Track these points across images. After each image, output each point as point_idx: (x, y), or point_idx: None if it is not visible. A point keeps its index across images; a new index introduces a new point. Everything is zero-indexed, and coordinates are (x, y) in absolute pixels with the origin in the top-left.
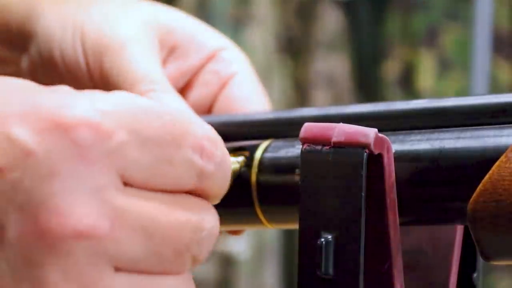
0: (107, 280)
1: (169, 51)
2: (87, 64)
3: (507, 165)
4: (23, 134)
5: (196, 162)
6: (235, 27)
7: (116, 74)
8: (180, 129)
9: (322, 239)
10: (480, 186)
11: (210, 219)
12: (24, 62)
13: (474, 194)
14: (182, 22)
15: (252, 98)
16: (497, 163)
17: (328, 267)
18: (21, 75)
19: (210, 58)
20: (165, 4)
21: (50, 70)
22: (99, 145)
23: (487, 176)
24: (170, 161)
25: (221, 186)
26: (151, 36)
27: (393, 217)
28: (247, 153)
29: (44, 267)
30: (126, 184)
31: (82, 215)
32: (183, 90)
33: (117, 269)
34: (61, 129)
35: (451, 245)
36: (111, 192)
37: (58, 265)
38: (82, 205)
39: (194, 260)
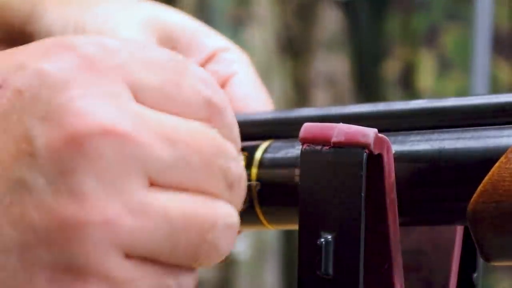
0: (144, 190)
1: None
2: None
3: (507, 166)
4: (34, 59)
5: (203, 91)
6: (235, 27)
7: None
8: (181, 60)
9: (322, 239)
10: (480, 187)
11: (230, 145)
12: None
13: (474, 195)
14: (183, 23)
15: (252, 98)
16: (497, 164)
17: (328, 267)
18: None
19: (210, 59)
20: (164, 4)
21: None
22: (107, 59)
23: (487, 177)
24: (177, 84)
25: (231, 124)
26: (151, 38)
27: (393, 217)
28: (246, 154)
29: (77, 172)
30: (138, 103)
31: (103, 113)
32: None
33: (152, 182)
34: (68, 49)
35: (451, 245)
36: (126, 98)
37: (90, 169)
38: (102, 106)
39: (228, 183)
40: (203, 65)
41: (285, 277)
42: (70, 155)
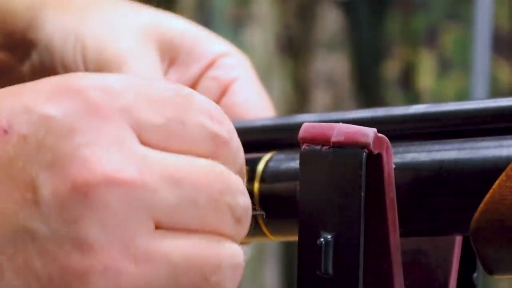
0: (148, 236)
1: (170, 62)
2: None
3: (507, 184)
4: (39, 102)
5: (208, 125)
6: (235, 27)
7: None
8: (185, 95)
9: (322, 239)
10: (481, 205)
11: (236, 178)
12: (26, 68)
13: (476, 213)
14: (184, 30)
15: (254, 103)
16: (497, 181)
17: (328, 267)
18: (23, 82)
19: (211, 65)
20: (164, 4)
21: None
22: (110, 103)
23: (488, 195)
24: (182, 121)
25: (237, 155)
26: (152, 48)
27: (392, 217)
28: (247, 168)
29: (81, 221)
30: (143, 143)
31: (108, 161)
32: None
33: (157, 225)
34: (73, 93)
35: (451, 244)
36: (131, 143)
37: (95, 218)
38: (107, 154)
39: (236, 219)
40: (204, 71)
41: (285, 277)
42: (75, 205)
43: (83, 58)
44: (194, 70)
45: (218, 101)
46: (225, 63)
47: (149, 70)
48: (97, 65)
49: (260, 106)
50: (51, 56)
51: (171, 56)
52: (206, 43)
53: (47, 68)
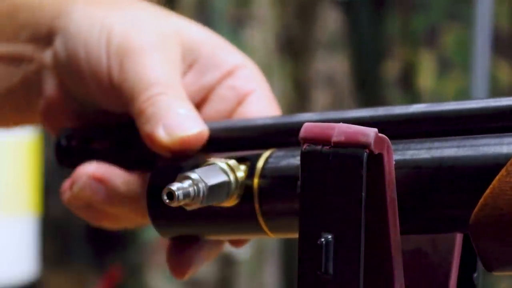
0: None
1: (188, 66)
2: (108, 62)
3: (507, 179)
4: None
5: None
6: (235, 27)
7: (132, 76)
8: None
9: (322, 239)
10: (481, 201)
11: None
12: (48, 57)
13: (476, 208)
14: (205, 39)
15: (267, 115)
16: (497, 177)
17: (328, 267)
18: (44, 71)
19: (228, 74)
20: (165, 4)
21: (72, 66)
22: None
23: (488, 190)
24: None
25: None
26: (175, 48)
27: (393, 217)
28: (248, 163)
29: None
30: None
31: None
32: (199, 105)
33: None
34: None
35: (452, 245)
36: None
37: None
38: None
39: None
40: (222, 79)
41: (285, 277)
42: None
43: (107, 42)
44: (211, 76)
45: (234, 109)
46: (244, 74)
47: (168, 65)
48: (120, 51)
49: None
50: (75, 44)
51: (190, 61)
52: (225, 53)
53: (70, 56)
